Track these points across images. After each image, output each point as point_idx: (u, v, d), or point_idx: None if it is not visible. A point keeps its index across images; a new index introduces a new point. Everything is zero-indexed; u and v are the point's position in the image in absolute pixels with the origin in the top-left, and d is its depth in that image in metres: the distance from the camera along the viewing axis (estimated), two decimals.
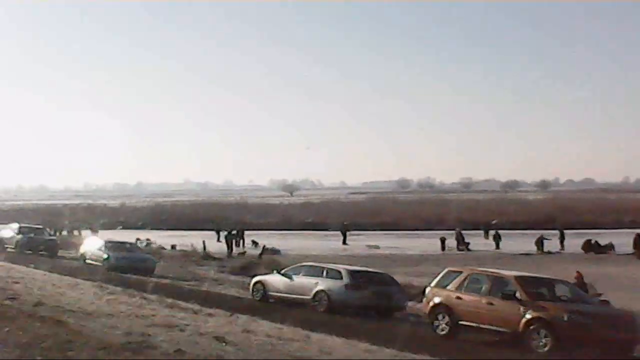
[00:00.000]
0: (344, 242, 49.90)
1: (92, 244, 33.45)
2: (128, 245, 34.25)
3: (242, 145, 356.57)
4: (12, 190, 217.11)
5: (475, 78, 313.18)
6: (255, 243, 47.38)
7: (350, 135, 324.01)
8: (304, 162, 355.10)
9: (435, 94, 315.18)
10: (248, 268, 32.66)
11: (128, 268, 28.76)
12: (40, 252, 36.75)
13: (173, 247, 45.84)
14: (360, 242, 50.39)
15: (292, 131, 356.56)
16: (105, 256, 30.67)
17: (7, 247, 38.42)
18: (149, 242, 48.65)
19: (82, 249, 33.66)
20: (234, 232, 47.53)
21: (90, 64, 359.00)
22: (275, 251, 41.92)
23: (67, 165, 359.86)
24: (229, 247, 41.28)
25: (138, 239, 49.61)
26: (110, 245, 32.16)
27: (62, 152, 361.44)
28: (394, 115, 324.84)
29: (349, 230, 51.30)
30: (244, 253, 41.03)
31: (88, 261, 31.85)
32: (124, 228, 68.81)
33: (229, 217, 69.35)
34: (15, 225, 41.05)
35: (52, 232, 45.67)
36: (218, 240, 48.66)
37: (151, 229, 65.54)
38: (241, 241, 47.63)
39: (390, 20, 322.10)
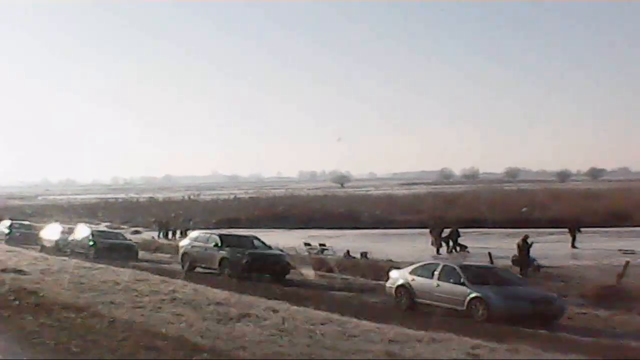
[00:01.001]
0: (573, 245, 38.99)
1: (414, 270, 20.60)
2: (505, 275, 20.69)
3: (267, 138, 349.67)
4: (40, 184, 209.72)
5: (502, 70, 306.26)
6: (462, 247, 36.78)
7: (376, 128, 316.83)
8: (330, 155, 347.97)
9: (459, 87, 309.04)
10: (609, 298, 20.97)
11: (525, 316, 16.89)
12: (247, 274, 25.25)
13: (364, 255, 34.72)
14: (587, 243, 39.57)
15: (316, 124, 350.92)
16: (473, 295, 17.94)
17: (194, 264, 27.51)
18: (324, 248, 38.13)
19: (399, 277, 20.82)
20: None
21: (117, 61, 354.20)
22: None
23: (94, 159, 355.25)
24: (521, 263, 27.49)
25: (308, 245, 39.08)
26: (470, 269, 19.66)
27: (89, 147, 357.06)
28: (420, 108, 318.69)
29: (579, 230, 40.21)
30: (537, 268, 28.42)
31: (421, 300, 19.60)
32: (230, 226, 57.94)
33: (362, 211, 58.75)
34: (196, 234, 29.59)
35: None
36: (432, 244, 37.95)
37: (261, 228, 54.97)
38: (453, 245, 37.12)
39: (418, 16, 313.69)
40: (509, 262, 28.25)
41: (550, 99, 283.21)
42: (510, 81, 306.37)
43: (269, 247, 28.68)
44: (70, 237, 36.91)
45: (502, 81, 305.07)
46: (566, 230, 41.95)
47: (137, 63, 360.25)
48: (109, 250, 32.85)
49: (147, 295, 15.65)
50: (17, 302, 13.88)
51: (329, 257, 33.68)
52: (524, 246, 28.54)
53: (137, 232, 55.01)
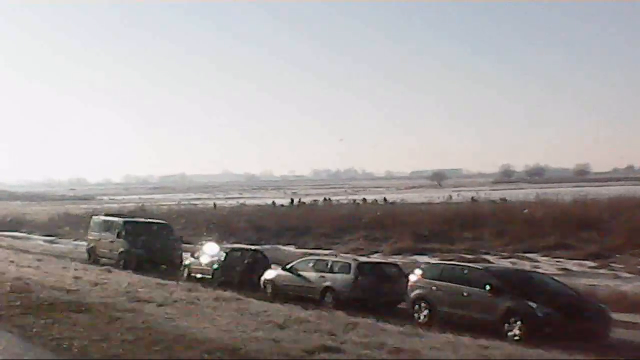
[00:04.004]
0: None
1: None
2: None
3: (268, 137, 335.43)
4: (45, 183, 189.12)
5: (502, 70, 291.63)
6: None
7: (383, 128, 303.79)
8: (336, 154, 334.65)
9: (459, 87, 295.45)
10: None
11: None
12: None
13: None
14: None
15: (317, 124, 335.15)
16: None
17: None
18: None
19: None
20: None
21: (121, 61, 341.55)
22: None
23: (97, 158, 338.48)
24: None
25: None
26: None
27: (91, 146, 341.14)
28: (422, 108, 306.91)
29: None
30: None
31: None
32: None
33: None
34: None
35: None
36: None
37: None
38: None
39: (418, 16, 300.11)
40: None
41: (552, 98, 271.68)
42: (511, 81, 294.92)
43: None
44: None
45: (503, 81, 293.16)
46: None
47: (140, 64, 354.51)
48: None
49: None
50: None
51: None
52: None
53: None
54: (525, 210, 39.06)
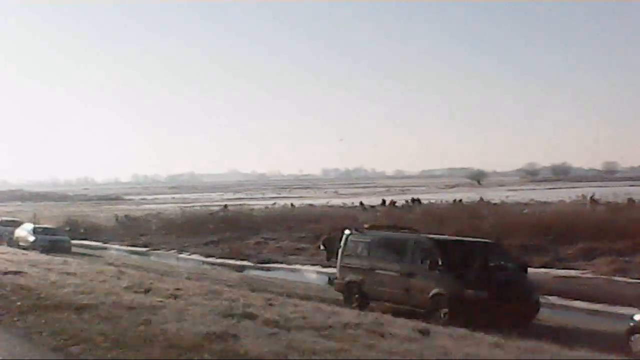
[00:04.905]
0: None
1: None
2: None
3: (268, 137, 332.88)
4: (48, 183, 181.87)
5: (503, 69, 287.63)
6: None
7: (378, 127, 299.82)
8: (335, 153, 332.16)
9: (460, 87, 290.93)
10: None
11: None
12: None
13: None
14: None
15: (318, 124, 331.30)
16: None
17: None
18: None
19: None
20: None
21: (122, 62, 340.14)
22: None
23: (101, 158, 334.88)
24: None
25: None
26: None
27: (95, 146, 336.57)
28: (423, 107, 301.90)
29: None
30: None
31: None
32: None
33: None
34: None
35: None
36: None
37: None
38: None
39: (419, 16, 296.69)
40: None
41: (552, 98, 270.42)
42: (511, 81, 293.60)
43: None
44: None
45: (503, 81, 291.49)
46: None
47: (140, 64, 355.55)
48: None
49: None
50: None
51: None
52: None
53: None
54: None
